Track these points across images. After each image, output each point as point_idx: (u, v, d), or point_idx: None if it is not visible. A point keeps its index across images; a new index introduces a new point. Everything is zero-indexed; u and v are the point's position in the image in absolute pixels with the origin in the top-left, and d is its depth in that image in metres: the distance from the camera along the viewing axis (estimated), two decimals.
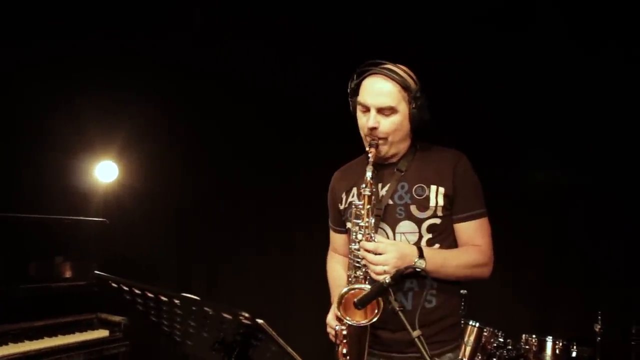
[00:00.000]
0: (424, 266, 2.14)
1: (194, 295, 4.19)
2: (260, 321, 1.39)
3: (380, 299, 2.04)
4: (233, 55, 4.54)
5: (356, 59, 2.28)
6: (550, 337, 3.78)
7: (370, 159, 2.21)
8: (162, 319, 1.84)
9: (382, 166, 2.36)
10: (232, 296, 4.74)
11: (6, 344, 3.11)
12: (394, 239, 2.27)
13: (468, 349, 3.89)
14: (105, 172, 4.34)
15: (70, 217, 3.63)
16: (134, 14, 4.26)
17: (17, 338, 3.18)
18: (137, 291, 1.69)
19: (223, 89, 4.61)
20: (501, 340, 3.88)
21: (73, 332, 3.41)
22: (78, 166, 4.20)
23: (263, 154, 4.74)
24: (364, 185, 2.20)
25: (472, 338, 3.89)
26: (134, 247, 4.40)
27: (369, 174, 2.19)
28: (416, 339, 1.87)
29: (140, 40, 4.32)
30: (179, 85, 4.56)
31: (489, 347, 3.88)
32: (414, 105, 2.23)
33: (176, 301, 1.60)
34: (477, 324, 3.90)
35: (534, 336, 3.81)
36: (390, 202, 2.29)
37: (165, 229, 4.68)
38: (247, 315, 1.37)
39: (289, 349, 1.43)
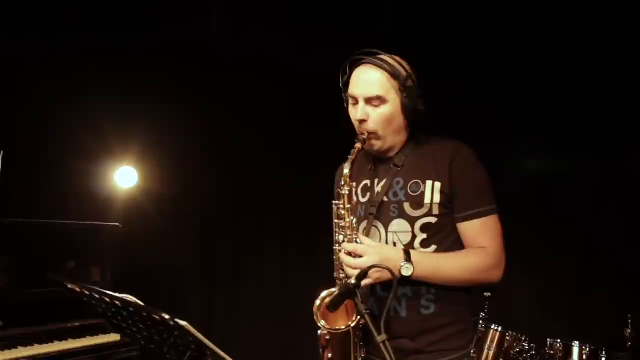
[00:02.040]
0: (411, 272, 2.03)
1: (218, 301, 4.22)
2: (182, 323, 1.34)
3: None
4: (253, 52, 4.47)
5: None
6: (577, 342, 3.59)
7: (351, 156, 2.12)
8: (120, 322, 1.82)
9: (379, 161, 2.27)
10: (256, 301, 4.76)
11: (15, 347, 3.16)
12: (387, 238, 2.17)
13: (490, 354, 3.71)
14: (125, 177, 4.39)
15: (82, 222, 3.68)
16: (147, 12, 4.27)
17: (27, 342, 3.22)
18: (86, 292, 1.68)
19: (245, 89, 4.55)
20: (525, 345, 3.71)
21: (84, 336, 3.44)
22: (98, 172, 4.27)
23: (289, 156, 4.68)
24: (342, 183, 2.12)
25: (494, 343, 3.72)
26: (157, 252, 4.44)
27: (346, 171, 2.10)
28: (381, 344, 1.78)
29: (157, 40, 4.32)
30: (198, 86, 4.55)
31: (511, 352, 3.71)
32: (405, 95, 2.12)
33: (117, 302, 1.58)
34: (500, 328, 3.73)
35: (558, 341, 3.63)
36: (385, 199, 2.19)
37: (188, 233, 4.70)
38: (167, 317, 1.33)
39: (219, 351, 1.38)
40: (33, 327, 3.29)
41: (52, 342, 3.31)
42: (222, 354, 1.32)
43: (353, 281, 1.85)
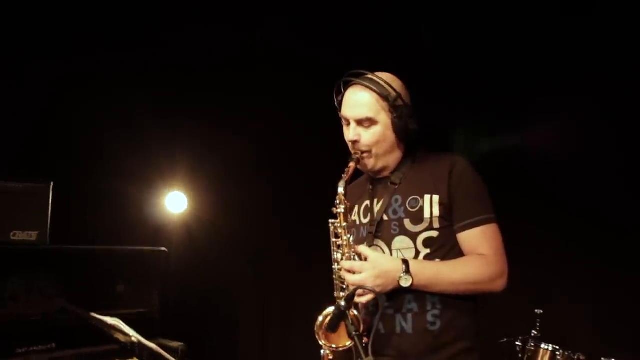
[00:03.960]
0: (409, 283, 2.10)
1: (271, 327, 4.40)
2: (151, 345, 1.46)
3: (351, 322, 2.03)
4: (300, 70, 4.46)
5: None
6: None
7: (345, 175, 2.23)
8: (125, 346, 1.97)
9: (376, 180, 2.38)
10: (310, 326, 4.77)
11: None
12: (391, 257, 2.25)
13: None
14: (175, 202, 4.59)
15: (129, 247, 3.86)
16: (192, 32, 4.36)
17: None
18: (86, 318, 1.84)
19: (296, 108, 4.52)
20: None
21: (131, 357, 3.64)
22: (148, 198, 4.50)
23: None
24: (337, 202, 2.22)
25: None
26: (209, 276, 4.62)
27: (340, 190, 2.20)
28: None
29: (205, 60, 4.44)
30: (249, 107, 4.57)
31: None
32: (395, 115, 2.21)
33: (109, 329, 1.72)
34: (550, 347, 3.65)
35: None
36: (385, 217, 2.28)
37: (240, 257, 4.83)
38: (135, 340, 1.45)
39: None
40: (83, 348, 3.50)
41: None
42: None
43: (342, 303, 1.95)
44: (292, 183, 4.80)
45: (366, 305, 2.24)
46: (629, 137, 4.01)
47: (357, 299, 2.13)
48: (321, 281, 4.55)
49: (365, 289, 2.02)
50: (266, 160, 4.82)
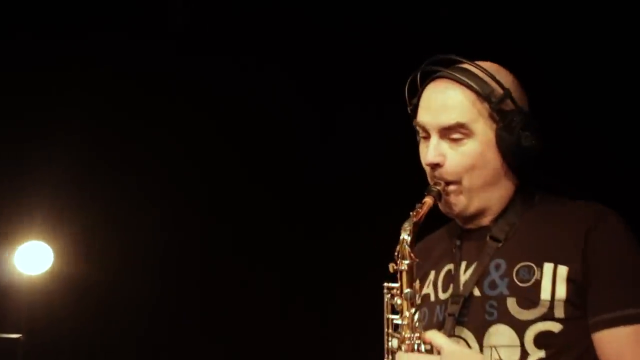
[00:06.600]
0: None
1: None
2: None
3: None
4: (216, 73, 4.12)
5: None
6: None
7: (414, 213, 1.67)
8: None
9: (467, 232, 1.81)
10: None
11: None
12: None
13: None
14: (30, 258, 3.92)
15: None
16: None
17: None
18: None
19: (198, 131, 4.20)
20: None
21: None
22: None
23: (258, 217, 4.22)
24: (398, 255, 1.68)
25: None
26: None
27: (405, 236, 1.65)
28: None
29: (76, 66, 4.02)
30: (135, 125, 4.21)
31: None
32: (501, 125, 1.67)
33: None
34: None
35: None
36: (477, 292, 1.73)
37: (124, 335, 4.16)
38: None
39: None
40: None
41: None
42: None
43: None
44: (190, 224, 4.37)
45: None
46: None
47: None
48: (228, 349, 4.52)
49: None
50: (159, 193, 4.32)
